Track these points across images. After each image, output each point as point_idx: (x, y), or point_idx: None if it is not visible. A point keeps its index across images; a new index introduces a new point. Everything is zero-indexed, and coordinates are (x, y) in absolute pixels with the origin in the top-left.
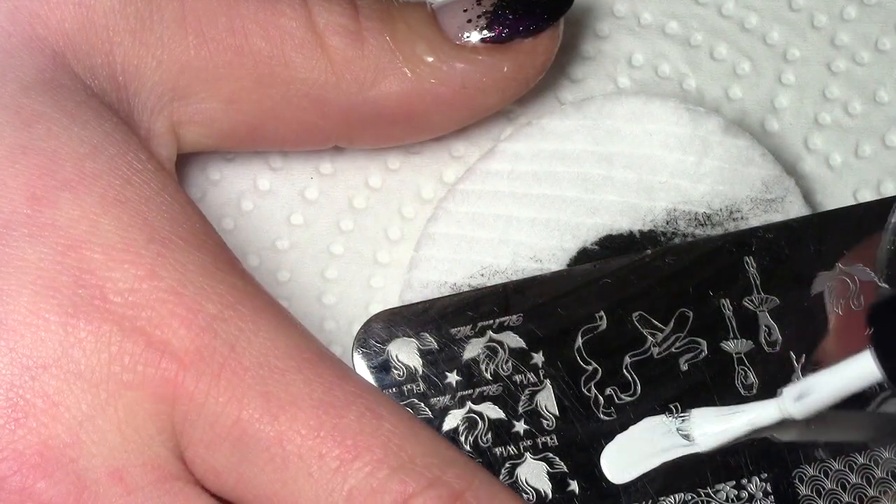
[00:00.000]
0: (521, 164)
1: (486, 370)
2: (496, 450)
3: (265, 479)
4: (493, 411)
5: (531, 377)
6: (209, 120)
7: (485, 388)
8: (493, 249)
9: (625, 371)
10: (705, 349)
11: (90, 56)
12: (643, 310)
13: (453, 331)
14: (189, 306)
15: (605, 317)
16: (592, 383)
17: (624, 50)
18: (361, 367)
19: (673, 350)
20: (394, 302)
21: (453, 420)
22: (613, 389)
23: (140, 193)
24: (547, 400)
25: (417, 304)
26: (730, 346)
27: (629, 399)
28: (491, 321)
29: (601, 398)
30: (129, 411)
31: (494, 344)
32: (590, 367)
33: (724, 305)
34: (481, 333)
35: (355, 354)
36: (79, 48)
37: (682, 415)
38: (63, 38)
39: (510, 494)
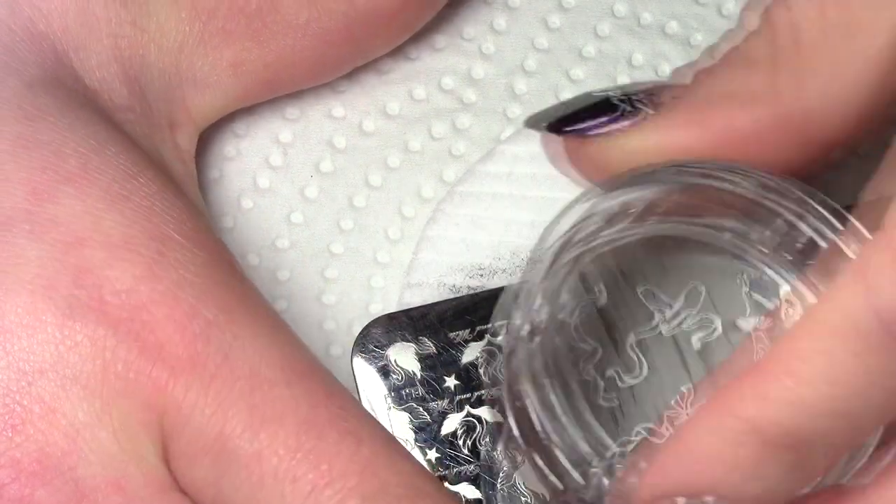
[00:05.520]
0: (520, 167)
1: (485, 373)
2: (494, 453)
3: (241, 498)
4: (490, 415)
5: None
6: (220, 90)
7: (483, 391)
8: (493, 252)
9: (629, 350)
10: (720, 327)
11: (98, 53)
12: (650, 284)
13: (452, 335)
14: (185, 311)
15: (604, 290)
16: (591, 364)
17: (624, 50)
18: (361, 372)
19: (684, 328)
20: (394, 302)
21: (452, 424)
22: (616, 371)
23: (143, 191)
24: None
25: (416, 308)
26: (747, 323)
27: (633, 382)
28: (489, 324)
29: (601, 381)
30: (123, 420)
31: (493, 347)
32: (588, 347)
33: (740, 279)
34: (479, 337)
35: (355, 359)
36: (81, 45)
37: None
38: (65, 35)
39: None
